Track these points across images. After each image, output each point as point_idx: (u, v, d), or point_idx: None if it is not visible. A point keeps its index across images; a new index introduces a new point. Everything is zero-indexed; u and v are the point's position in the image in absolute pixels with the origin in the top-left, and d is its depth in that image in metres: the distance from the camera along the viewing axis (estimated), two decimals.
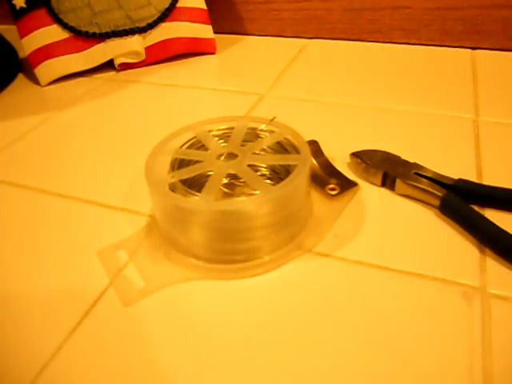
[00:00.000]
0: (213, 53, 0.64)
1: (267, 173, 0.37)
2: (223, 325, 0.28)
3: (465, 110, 0.46)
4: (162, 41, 0.62)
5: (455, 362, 0.25)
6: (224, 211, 0.29)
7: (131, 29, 0.60)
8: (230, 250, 0.31)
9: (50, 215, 0.38)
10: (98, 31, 0.60)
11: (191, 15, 0.62)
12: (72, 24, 0.59)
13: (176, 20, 0.62)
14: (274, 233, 0.31)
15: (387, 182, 0.37)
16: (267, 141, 0.35)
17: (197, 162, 0.34)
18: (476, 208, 0.33)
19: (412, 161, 0.37)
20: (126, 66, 0.62)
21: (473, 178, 0.36)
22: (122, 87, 0.58)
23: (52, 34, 0.59)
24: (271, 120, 0.36)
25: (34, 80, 0.60)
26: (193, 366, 0.26)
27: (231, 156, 0.34)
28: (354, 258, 0.31)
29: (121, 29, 0.60)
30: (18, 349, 0.28)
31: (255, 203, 0.30)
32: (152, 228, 0.35)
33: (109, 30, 0.60)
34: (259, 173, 0.36)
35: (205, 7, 0.63)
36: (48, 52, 0.59)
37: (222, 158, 0.35)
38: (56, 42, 0.59)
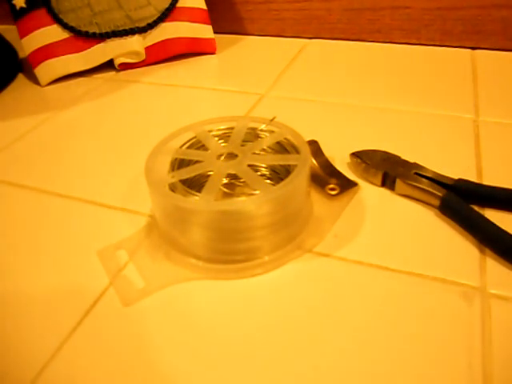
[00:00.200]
0: (213, 53, 0.64)
1: (267, 173, 0.37)
2: (223, 325, 0.28)
3: (465, 110, 0.46)
4: (162, 41, 0.62)
5: (455, 362, 0.25)
6: (224, 211, 0.29)
7: (131, 29, 0.60)
8: (230, 250, 0.31)
9: (50, 215, 0.38)
10: (98, 31, 0.60)
11: (191, 15, 0.62)
12: (72, 24, 0.59)
13: (176, 20, 0.62)
14: (273, 233, 0.31)
15: (387, 182, 0.37)
16: (267, 141, 0.35)
17: (197, 162, 0.34)
18: (476, 208, 0.33)
19: (412, 161, 0.37)
20: (126, 66, 0.62)
21: (473, 178, 0.36)
22: (122, 87, 0.58)
23: (52, 34, 0.59)
24: (271, 120, 0.36)
25: (34, 80, 0.60)
26: (193, 366, 0.26)
27: (231, 156, 0.34)
28: (354, 257, 0.31)
29: (121, 29, 0.60)
30: (17, 349, 0.28)
31: (255, 203, 0.30)
32: (152, 228, 0.35)
33: (109, 29, 0.60)
34: (259, 173, 0.36)
35: (205, 7, 0.63)
36: (48, 52, 0.59)
37: (222, 158, 0.35)
38: (56, 42, 0.59)
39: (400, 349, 0.26)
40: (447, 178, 0.35)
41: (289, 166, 0.33)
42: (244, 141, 0.35)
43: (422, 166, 0.36)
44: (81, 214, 0.37)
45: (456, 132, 0.43)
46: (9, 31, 0.66)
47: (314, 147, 0.40)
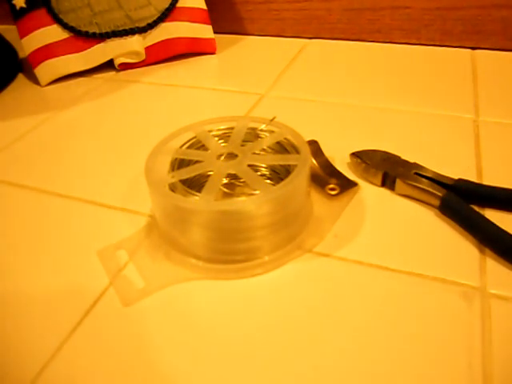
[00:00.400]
0: (213, 53, 0.64)
1: (267, 173, 0.37)
2: (223, 325, 0.28)
3: (465, 110, 0.46)
4: (162, 41, 0.62)
5: (455, 362, 0.25)
6: (224, 211, 0.29)
7: (131, 29, 0.60)
8: (230, 250, 0.31)
9: (50, 215, 0.38)
10: (97, 31, 0.60)
11: (191, 15, 0.62)
12: (72, 24, 0.59)
13: (176, 20, 0.62)
14: (273, 233, 0.31)
15: (387, 182, 0.37)
16: (267, 141, 0.35)
17: (197, 162, 0.34)
18: (476, 208, 0.33)
19: (412, 161, 0.37)
20: (126, 66, 0.62)
21: (473, 178, 0.36)
22: (122, 87, 0.58)
23: (52, 34, 0.59)
24: (271, 120, 0.36)
25: (34, 80, 0.60)
26: (193, 366, 0.26)
27: (231, 156, 0.34)
28: (354, 257, 0.31)
29: (121, 29, 0.60)
30: (17, 349, 0.28)
31: (255, 203, 0.30)
32: (152, 228, 0.35)
33: (109, 29, 0.60)
34: (259, 173, 0.36)
35: (205, 7, 0.63)
36: (48, 52, 0.59)
37: (222, 158, 0.35)
38: (56, 42, 0.59)
39: (400, 349, 0.26)
40: (447, 178, 0.35)
41: (289, 166, 0.33)
42: (244, 141, 0.35)
43: (422, 166, 0.36)
44: (81, 214, 0.37)
45: (456, 132, 0.43)
46: (9, 31, 0.66)
47: (314, 147, 0.40)
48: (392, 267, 0.31)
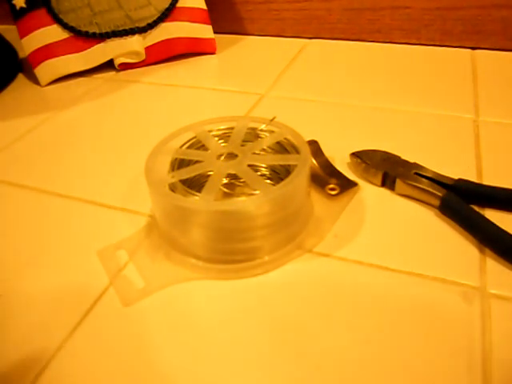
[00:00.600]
0: (213, 53, 0.64)
1: (267, 173, 0.37)
2: (223, 325, 0.28)
3: (465, 110, 0.46)
4: (162, 41, 0.62)
5: (455, 362, 0.25)
6: (224, 211, 0.29)
7: (131, 29, 0.60)
8: (230, 250, 0.31)
9: (50, 215, 0.38)
10: (98, 31, 0.60)
11: (191, 15, 0.62)
12: (72, 24, 0.59)
13: (176, 20, 0.62)
14: (273, 233, 0.31)
15: (387, 182, 0.37)
16: (267, 141, 0.35)
17: (197, 162, 0.34)
18: (476, 208, 0.33)
19: (412, 161, 0.37)
20: (126, 66, 0.62)
21: (473, 178, 0.36)
22: (122, 87, 0.58)
23: (52, 34, 0.59)
24: (271, 120, 0.36)
25: (34, 80, 0.60)
26: (193, 366, 0.26)
27: (231, 156, 0.34)
28: (354, 257, 0.31)
29: (121, 29, 0.60)
30: (18, 349, 0.28)
31: (255, 203, 0.30)
32: (152, 228, 0.35)
33: (109, 30, 0.60)
34: (259, 173, 0.36)
35: (205, 7, 0.63)
36: (48, 52, 0.59)
37: (222, 158, 0.35)
38: (56, 42, 0.59)
39: (399, 348, 0.26)
40: (447, 178, 0.35)
41: (289, 166, 0.33)
42: (244, 141, 0.35)
43: (422, 166, 0.36)
44: (81, 214, 0.37)
45: (456, 132, 0.43)
46: (9, 31, 0.66)
47: (314, 147, 0.40)
48: (392, 267, 0.31)
